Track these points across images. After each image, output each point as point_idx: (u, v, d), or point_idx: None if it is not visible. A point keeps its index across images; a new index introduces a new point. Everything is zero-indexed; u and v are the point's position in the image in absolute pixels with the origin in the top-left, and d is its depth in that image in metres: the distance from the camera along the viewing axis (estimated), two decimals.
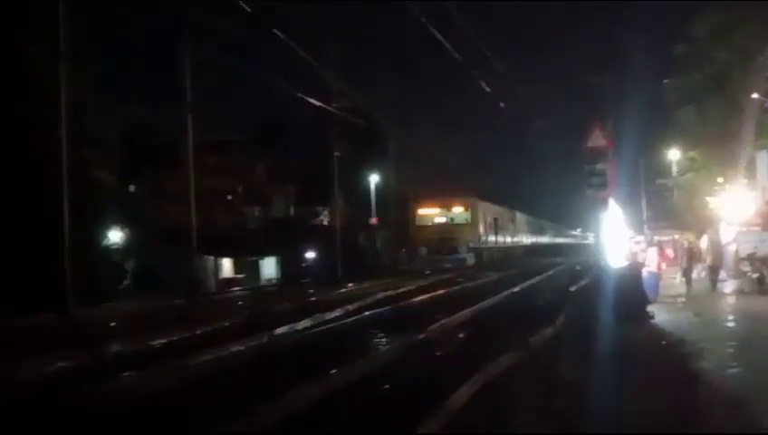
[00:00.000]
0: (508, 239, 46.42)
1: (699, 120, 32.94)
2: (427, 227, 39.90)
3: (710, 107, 31.96)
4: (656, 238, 33.75)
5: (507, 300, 18.20)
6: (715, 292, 20.37)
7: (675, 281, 23.25)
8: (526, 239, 52.26)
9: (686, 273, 21.52)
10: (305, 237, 38.66)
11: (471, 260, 38.31)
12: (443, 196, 39.67)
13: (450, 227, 39.32)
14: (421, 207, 40.41)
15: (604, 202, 16.22)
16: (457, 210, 39.76)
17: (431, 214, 40.20)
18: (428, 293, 20.69)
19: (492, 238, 42.37)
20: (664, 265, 24.80)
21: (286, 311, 16.78)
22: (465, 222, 39.55)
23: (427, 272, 32.51)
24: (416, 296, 19.67)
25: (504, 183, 53.35)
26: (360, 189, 43.77)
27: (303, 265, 37.83)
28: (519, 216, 50.82)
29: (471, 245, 38.93)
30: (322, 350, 11.19)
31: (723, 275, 22.13)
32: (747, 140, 29.70)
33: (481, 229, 40.43)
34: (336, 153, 33.03)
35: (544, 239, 60.65)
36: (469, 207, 39.76)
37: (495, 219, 43.29)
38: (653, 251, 21.86)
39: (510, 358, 8.80)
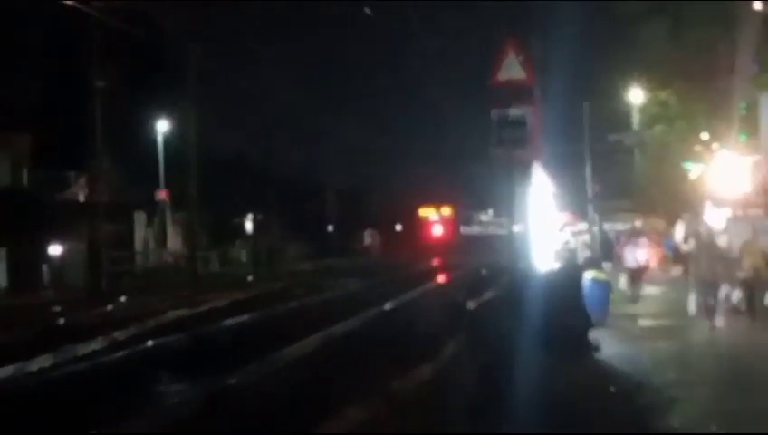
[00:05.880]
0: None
1: (674, 41, 33.68)
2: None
3: (691, 21, 32.51)
4: (609, 226, 35.86)
5: (371, 323, 20.22)
6: (696, 311, 19.73)
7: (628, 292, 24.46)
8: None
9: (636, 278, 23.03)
10: (47, 222, 38.97)
11: None
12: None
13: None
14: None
15: (523, 168, 15.92)
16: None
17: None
18: (247, 311, 22.87)
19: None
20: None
21: (12, 341, 17.69)
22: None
23: (250, 278, 42.22)
24: (226, 318, 21.88)
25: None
26: (141, 145, 45.15)
27: (44, 265, 38.84)
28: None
29: None
30: (65, 403, 11.88)
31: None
32: (746, 75, 30.24)
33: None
34: (99, 83, 33.59)
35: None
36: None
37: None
38: (642, 244, 24.21)
39: (361, 414, 9.79)
